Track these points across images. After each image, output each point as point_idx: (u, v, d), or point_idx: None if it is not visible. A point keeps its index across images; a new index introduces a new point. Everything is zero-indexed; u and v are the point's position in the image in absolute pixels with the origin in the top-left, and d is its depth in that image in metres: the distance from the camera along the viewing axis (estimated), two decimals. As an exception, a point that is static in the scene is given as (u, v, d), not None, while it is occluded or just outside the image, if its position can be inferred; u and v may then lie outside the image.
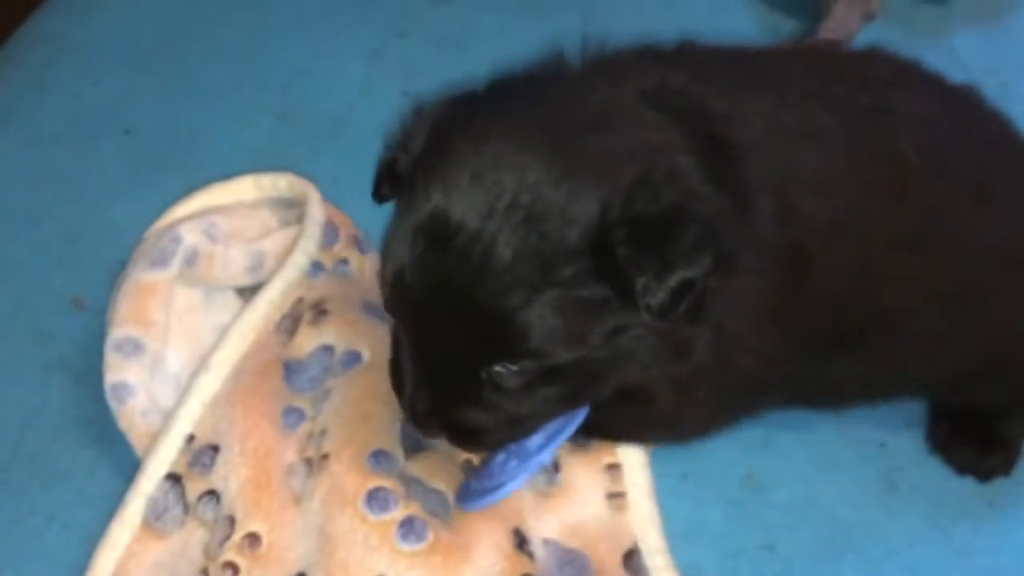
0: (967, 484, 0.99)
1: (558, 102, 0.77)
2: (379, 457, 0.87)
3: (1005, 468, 0.99)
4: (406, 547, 0.82)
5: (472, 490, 0.88)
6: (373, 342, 0.96)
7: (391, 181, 0.81)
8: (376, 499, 0.84)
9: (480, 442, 0.82)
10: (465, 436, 0.82)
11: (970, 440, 0.98)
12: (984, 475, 0.99)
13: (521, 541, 0.87)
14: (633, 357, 0.76)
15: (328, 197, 1.13)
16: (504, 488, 0.86)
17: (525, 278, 0.70)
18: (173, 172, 1.21)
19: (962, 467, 0.99)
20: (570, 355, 0.74)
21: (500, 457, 0.88)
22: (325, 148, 1.33)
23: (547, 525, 0.92)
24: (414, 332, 0.77)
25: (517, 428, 0.82)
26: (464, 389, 0.77)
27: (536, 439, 0.87)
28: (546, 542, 0.91)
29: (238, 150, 1.28)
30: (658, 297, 0.71)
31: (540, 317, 0.71)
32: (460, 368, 0.76)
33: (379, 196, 0.83)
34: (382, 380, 0.93)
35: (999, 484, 0.99)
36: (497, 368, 0.75)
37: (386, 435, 0.90)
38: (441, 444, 0.96)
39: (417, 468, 0.91)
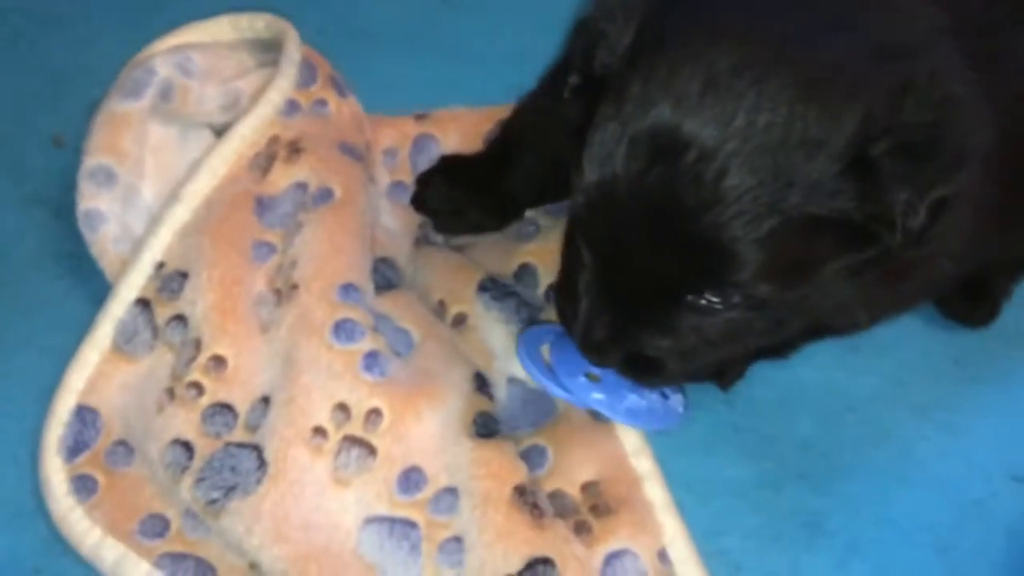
0: (932, 344, 1.00)
1: None
2: (348, 290, 0.88)
3: (988, 319, 1.02)
4: (368, 377, 0.84)
5: (552, 372, 0.87)
6: (346, 179, 0.96)
7: (586, 75, 0.72)
8: (343, 329, 0.85)
9: (659, 374, 0.77)
10: (644, 367, 0.77)
11: (963, 293, 1.00)
12: (973, 324, 1.02)
13: (481, 384, 0.89)
14: (847, 294, 0.72)
15: (315, 47, 1.12)
16: (570, 396, 0.87)
17: (761, 207, 0.64)
18: (158, 14, 1.19)
19: (955, 317, 1.02)
20: (789, 293, 0.69)
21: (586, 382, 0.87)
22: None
23: (516, 365, 0.93)
24: (610, 250, 0.70)
25: (696, 362, 0.77)
26: (655, 317, 0.72)
27: (626, 406, 0.86)
28: (512, 380, 0.92)
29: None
30: (919, 217, 0.65)
31: (770, 250, 0.65)
32: (658, 294, 0.71)
33: (569, 89, 0.74)
34: (354, 216, 0.94)
35: (965, 342, 1.01)
36: (704, 297, 0.70)
37: (357, 269, 0.90)
38: (412, 284, 0.98)
39: (387, 305, 0.92)
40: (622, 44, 0.70)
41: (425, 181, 1.03)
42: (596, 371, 0.86)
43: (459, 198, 1.01)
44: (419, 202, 1.02)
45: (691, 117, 0.64)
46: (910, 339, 1.00)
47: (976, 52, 0.71)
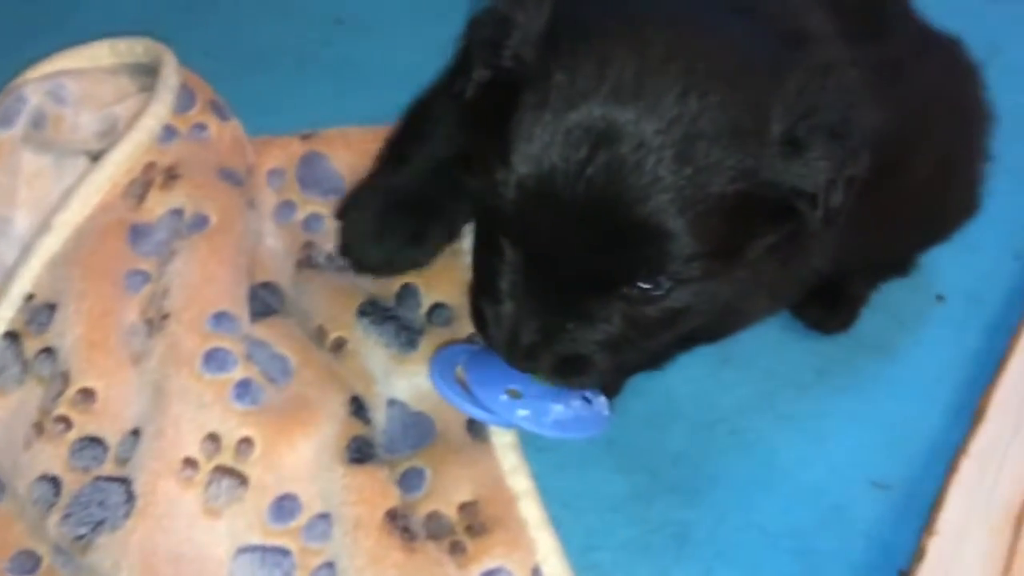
0: (797, 355, 1.04)
1: None
2: (220, 318, 0.88)
3: (845, 325, 1.06)
4: (239, 406, 0.84)
5: (469, 393, 0.85)
6: (223, 205, 0.96)
7: (494, 65, 0.71)
8: (214, 358, 0.86)
9: (588, 372, 0.76)
10: (573, 367, 0.75)
11: (821, 300, 1.04)
12: (827, 330, 1.06)
13: (358, 408, 0.90)
14: (763, 277, 0.74)
15: (199, 69, 1.12)
16: (492, 416, 0.84)
17: (695, 190, 0.65)
18: (42, 39, 1.17)
19: (810, 323, 1.05)
20: (720, 273, 0.70)
21: (507, 397, 0.85)
22: (197, 22, 1.32)
23: (396, 387, 0.95)
24: (543, 245, 0.69)
25: (626, 354, 0.76)
26: (588, 311, 0.71)
27: (553, 418, 0.85)
28: (392, 403, 0.94)
29: (111, 19, 1.25)
30: (839, 193, 0.68)
31: (703, 232, 0.66)
32: (591, 287, 0.70)
33: (474, 84, 0.72)
34: (229, 242, 0.94)
35: (828, 352, 1.05)
36: (638, 286, 0.69)
37: (230, 297, 0.90)
38: (292, 309, 0.99)
39: (264, 331, 0.93)
40: (535, 32, 0.69)
41: (341, 216, 0.96)
42: (517, 386, 0.84)
43: (380, 219, 0.94)
44: (346, 249, 0.95)
45: (627, 107, 0.65)
46: (776, 350, 1.04)
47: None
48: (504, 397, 0.85)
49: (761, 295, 0.87)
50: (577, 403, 0.87)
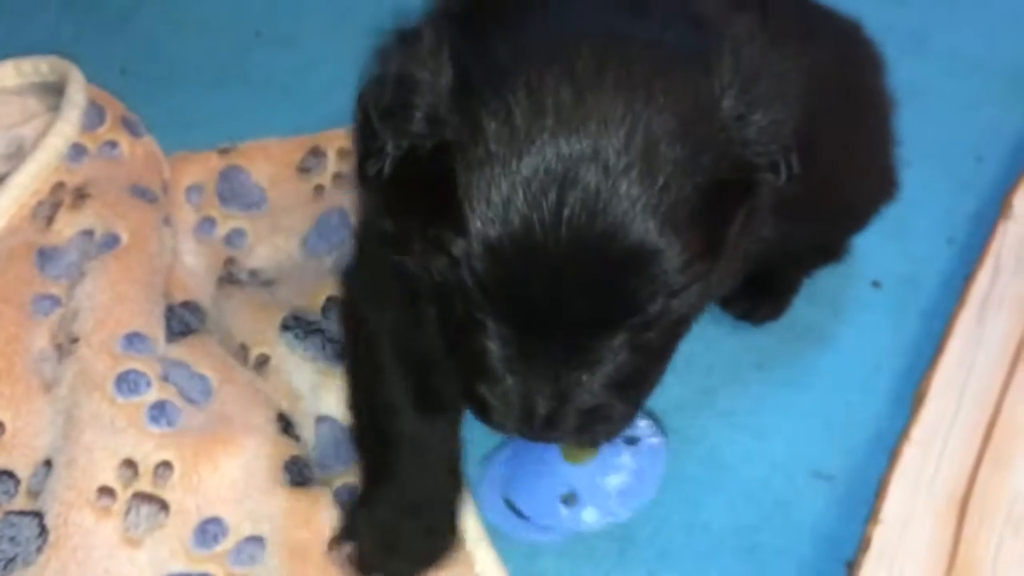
0: (735, 350, 1.03)
1: None
2: (132, 339, 0.85)
3: (775, 314, 1.05)
4: (155, 429, 0.81)
5: (530, 519, 0.80)
6: (135, 224, 0.93)
7: (406, 134, 0.64)
8: (127, 381, 0.82)
9: (610, 418, 0.69)
10: (594, 418, 0.68)
11: (747, 291, 1.02)
12: (756, 320, 1.04)
13: (285, 425, 0.87)
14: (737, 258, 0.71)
15: (115, 87, 1.09)
16: (569, 532, 0.79)
17: (674, 196, 0.61)
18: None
19: (738, 315, 1.04)
20: (710, 269, 0.66)
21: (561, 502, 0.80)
22: (112, 39, 1.28)
23: (325, 403, 0.91)
24: (531, 306, 0.63)
25: (647, 384, 0.71)
26: (596, 357, 0.66)
27: (616, 492, 0.81)
28: (321, 420, 0.91)
29: (22, 40, 1.21)
30: (794, 153, 0.67)
31: (692, 231, 0.62)
32: (594, 331, 0.65)
33: (391, 160, 0.65)
34: (142, 261, 0.91)
35: (767, 346, 1.03)
36: (642, 315, 0.64)
37: (143, 317, 0.87)
38: (213, 328, 0.95)
39: (183, 352, 0.89)
40: (445, 85, 0.63)
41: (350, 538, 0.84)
42: (565, 483, 0.80)
43: (393, 532, 0.83)
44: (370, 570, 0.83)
45: (578, 135, 0.60)
46: (717, 346, 1.02)
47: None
48: (563, 509, 0.80)
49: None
50: (626, 457, 0.82)
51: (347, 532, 0.82)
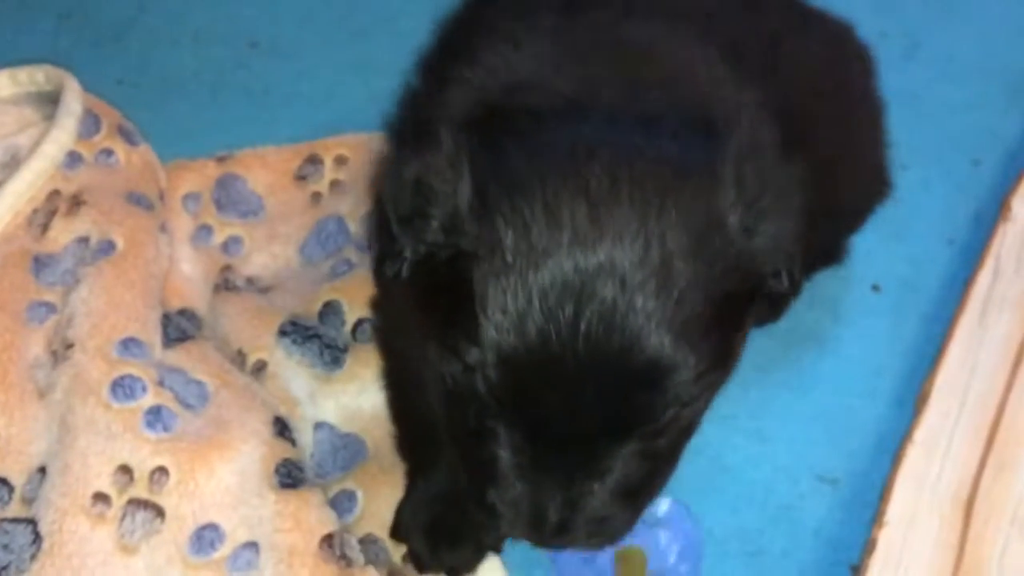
0: (739, 353, 1.02)
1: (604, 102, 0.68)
2: (128, 344, 0.84)
3: (775, 316, 1.03)
4: (151, 434, 0.80)
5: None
6: (131, 230, 0.92)
7: (425, 241, 0.65)
8: (122, 386, 0.81)
9: (619, 524, 0.70)
10: (603, 524, 0.69)
11: None
12: (758, 322, 1.01)
13: (282, 428, 0.86)
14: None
15: (112, 98, 1.09)
16: None
17: (689, 309, 0.62)
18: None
19: None
20: (721, 378, 0.69)
21: None
22: (109, 50, 1.28)
23: (323, 409, 0.91)
24: (545, 415, 0.63)
25: (654, 487, 0.72)
26: (603, 467, 0.66)
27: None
28: (319, 426, 0.90)
29: (20, 52, 1.20)
30: (796, 264, 0.69)
31: (703, 349, 0.63)
32: (603, 440, 0.65)
33: (407, 255, 0.66)
34: (137, 267, 0.91)
35: (767, 349, 1.02)
36: (650, 427, 0.65)
37: (139, 322, 0.87)
38: (209, 334, 0.95)
39: (179, 357, 0.89)
40: (465, 196, 0.64)
41: (398, 536, 0.86)
42: None
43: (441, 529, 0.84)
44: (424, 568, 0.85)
45: (595, 250, 0.61)
46: (716, 350, 1.02)
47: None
48: None
49: None
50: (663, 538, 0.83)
51: (396, 531, 0.84)
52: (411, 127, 0.80)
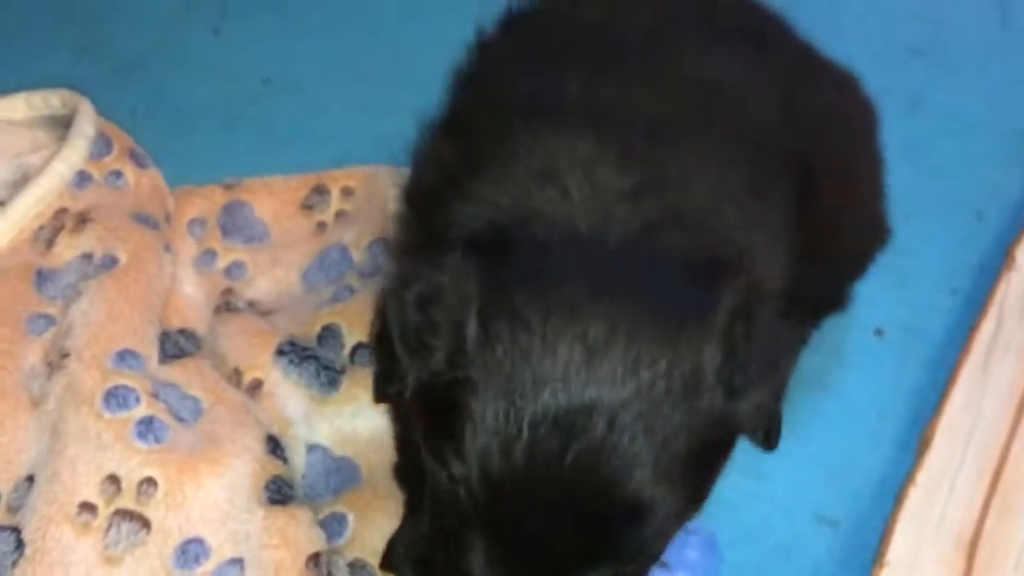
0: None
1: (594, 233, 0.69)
2: (124, 356, 0.84)
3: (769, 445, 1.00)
4: (141, 445, 0.79)
5: None
6: (135, 246, 0.93)
7: (425, 360, 0.67)
8: (115, 397, 0.81)
9: None
10: None
11: None
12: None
13: (274, 447, 0.85)
14: None
15: (123, 127, 1.10)
16: None
17: (669, 456, 0.64)
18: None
19: None
20: (694, 512, 0.70)
21: None
22: (125, 80, 1.30)
23: (317, 431, 0.90)
24: (518, 540, 0.66)
25: None
26: None
27: None
28: (312, 448, 0.89)
29: (35, 80, 1.22)
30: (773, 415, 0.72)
31: (680, 490, 0.65)
32: (575, 566, 0.67)
33: (411, 388, 0.68)
34: (139, 282, 0.91)
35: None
36: (625, 561, 0.67)
37: (137, 336, 0.86)
38: (207, 353, 0.95)
39: (175, 373, 0.88)
40: (467, 332, 0.65)
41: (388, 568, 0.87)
42: None
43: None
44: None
45: (587, 389, 0.63)
46: (717, 390, 1.01)
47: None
48: None
49: None
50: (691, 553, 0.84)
51: (386, 562, 0.83)
52: (417, 227, 0.79)
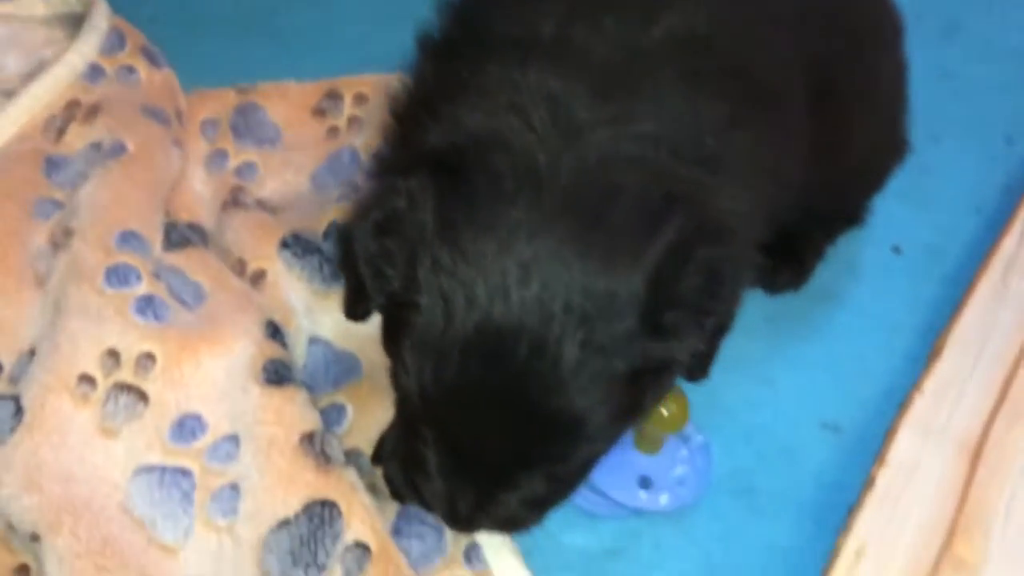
0: (745, 305, 0.97)
1: (549, 158, 0.70)
2: (128, 237, 0.85)
3: (795, 284, 1.01)
4: (140, 320, 0.80)
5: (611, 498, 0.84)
6: (143, 137, 0.93)
7: (385, 284, 0.71)
8: (116, 273, 0.82)
9: (524, 522, 0.76)
10: (510, 523, 0.76)
11: (767, 258, 0.97)
12: (777, 289, 1.01)
13: (274, 331, 0.85)
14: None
15: (148, 35, 1.10)
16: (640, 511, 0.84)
17: (594, 374, 0.67)
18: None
19: (757, 282, 1.00)
20: (629, 420, 0.73)
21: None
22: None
23: (320, 325, 0.90)
24: (459, 437, 0.71)
25: (551, 509, 0.77)
26: (513, 482, 0.72)
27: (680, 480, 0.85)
28: (314, 341, 0.90)
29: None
30: (702, 350, 0.72)
31: (608, 405, 0.68)
32: (514, 465, 0.72)
33: (372, 306, 0.73)
34: (147, 170, 0.92)
35: (778, 303, 1.00)
36: (555, 463, 0.72)
37: (142, 220, 0.87)
38: (212, 246, 0.95)
39: (179, 260, 0.89)
40: (424, 264, 0.68)
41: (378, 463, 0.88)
42: (642, 471, 0.84)
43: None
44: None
45: (514, 313, 0.66)
46: (724, 299, 0.99)
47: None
48: (642, 493, 0.84)
49: None
50: (684, 452, 0.86)
51: (376, 456, 0.85)
52: (396, 141, 0.82)
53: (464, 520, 0.74)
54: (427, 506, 0.76)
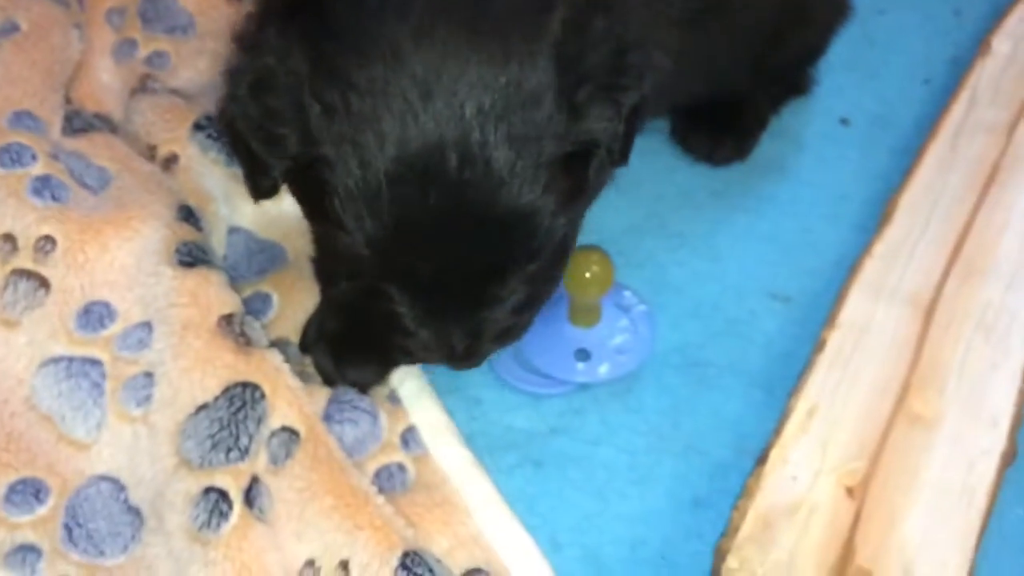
0: (689, 179, 0.96)
1: None
2: (21, 116, 0.79)
3: (740, 154, 0.98)
4: (37, 202, 0.74)
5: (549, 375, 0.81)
6: (37, 16, 0.87)
7: (282, 148, 0.67)
8: (9, 153, 0.76)
9: (515, 333, 0.75)
10: (504, 338, 0.74)
11: (709, 128, 0.97)
12: (719, 161, 0.97)
13: (187, 214, 0.80)
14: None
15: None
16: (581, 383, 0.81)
17: (529, 167, 0.65)
18: None
19: (699, 154, 0.97)
20: (579, 202, 0.72)
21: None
22: None
23: (240, 213, 0.86)
24: (425, 275, 0.68)
25: (539, 306, 0.75)
26: (492, 296, 0.70)
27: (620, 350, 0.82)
28: (235, 230, 0.85)
29: None
30: (620, 133, 0.69)
31: (553, 192, 0.66)
32: (486, 278, 0.69)
33: (274, 174, 0.68)
34: (41, 50, 0.86)
35: (724, 176, 0.97)
36: (524, 261, 0.69)
37: (36, 99, 0.81)
38: (120, 134, 0.89)
39: (82, 144, 0.83)
40: (313, 111, 0.64)
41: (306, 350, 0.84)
42: (578, 345, 0.82)
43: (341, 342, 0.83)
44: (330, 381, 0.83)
45: (430, 128, 0.63)
46: (669, 176, 0.96)
47: None
48: (580, 366, 0.82)
49: None
50: (624, 321, 0.83)
51: (303, 344, 0.81)
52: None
53: (464, 354, 0.72)
54: (396, 361, 0.75)
